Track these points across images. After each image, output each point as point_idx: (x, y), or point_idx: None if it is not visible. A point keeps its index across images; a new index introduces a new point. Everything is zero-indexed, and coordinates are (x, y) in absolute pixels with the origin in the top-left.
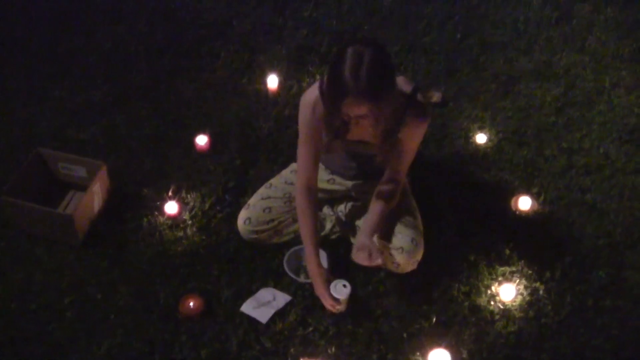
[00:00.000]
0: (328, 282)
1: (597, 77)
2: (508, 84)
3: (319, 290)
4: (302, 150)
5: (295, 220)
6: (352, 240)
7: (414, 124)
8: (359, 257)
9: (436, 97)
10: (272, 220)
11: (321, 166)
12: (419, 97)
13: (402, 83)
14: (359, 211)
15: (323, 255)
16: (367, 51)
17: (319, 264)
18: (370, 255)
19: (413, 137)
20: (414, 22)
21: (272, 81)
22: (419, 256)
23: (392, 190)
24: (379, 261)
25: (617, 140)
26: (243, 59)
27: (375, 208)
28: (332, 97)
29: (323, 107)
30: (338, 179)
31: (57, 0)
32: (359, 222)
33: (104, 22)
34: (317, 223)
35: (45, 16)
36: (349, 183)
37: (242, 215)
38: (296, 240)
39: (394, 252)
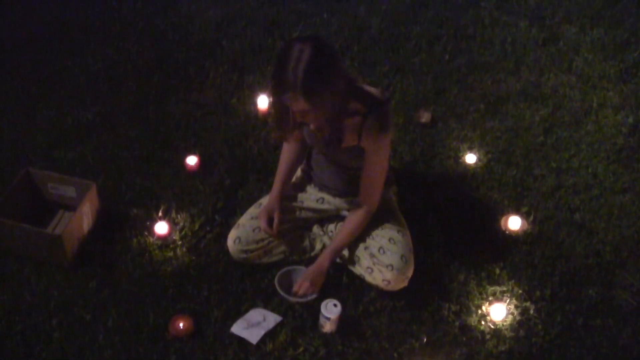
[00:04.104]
0: (270, 212)
1: (585, 98)
2: (496, 104)
3: (261, 212)
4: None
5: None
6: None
7: (374, 132)
8: (303, 287)
9: (425, 117)
10: (262, 239)
11: (311, 184)
12: (387, 109)
13: (378, 92)
14: None
15: None
16: (306, 49)
17: (276, 196)
18: (310, 285)
19: (375, 148)
20: (402, 43)
21: (262, 101)
22: (409, 273)
23: (359, 219)
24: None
25: (605, 160)
26: (232, 80)
27: (337, 238)
28: (276, 90)
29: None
30: (327, 198)
31: (46, 21)
32: None
33: (93, 42)
34: (292, 164)
35: (34, 36)
36: (338, 201)
37: (232, 234)
38: (286, 260)
39: (383, 269)
